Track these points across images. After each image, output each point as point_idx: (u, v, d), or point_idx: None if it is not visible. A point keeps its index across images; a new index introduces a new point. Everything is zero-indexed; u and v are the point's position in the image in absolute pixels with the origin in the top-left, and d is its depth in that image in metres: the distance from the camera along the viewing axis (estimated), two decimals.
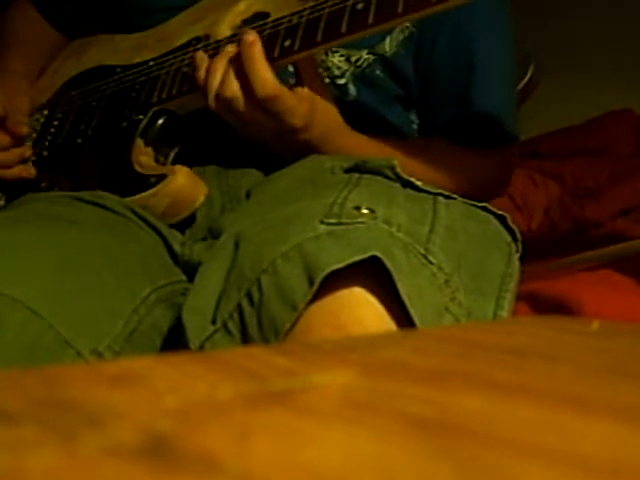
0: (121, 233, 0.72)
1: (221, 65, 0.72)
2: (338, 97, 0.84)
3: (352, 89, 0.86)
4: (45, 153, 0.90)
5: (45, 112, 0.94)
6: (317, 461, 0.16)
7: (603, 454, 0.17)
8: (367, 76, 0.85)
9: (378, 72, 0.86)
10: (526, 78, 1.85)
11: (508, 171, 0.96)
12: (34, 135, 0.92)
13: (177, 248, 0.74)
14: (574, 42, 2.37)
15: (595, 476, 0.16)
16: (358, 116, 0.83)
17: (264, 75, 0.70)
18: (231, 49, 0.73)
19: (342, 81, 0.85)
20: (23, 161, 0.89)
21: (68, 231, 0.68)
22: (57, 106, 0.94)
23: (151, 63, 0.86)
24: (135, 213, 0.76)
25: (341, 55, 0.84)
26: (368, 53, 0.85)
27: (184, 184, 0.76)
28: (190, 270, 0.72)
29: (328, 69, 0.84)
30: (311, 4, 0.74)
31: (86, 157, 0.87)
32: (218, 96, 0.72)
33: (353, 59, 0.85)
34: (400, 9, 0.66)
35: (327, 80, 0.84)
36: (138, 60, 0.88)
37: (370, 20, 0.68)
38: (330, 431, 0.18)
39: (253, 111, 0.72)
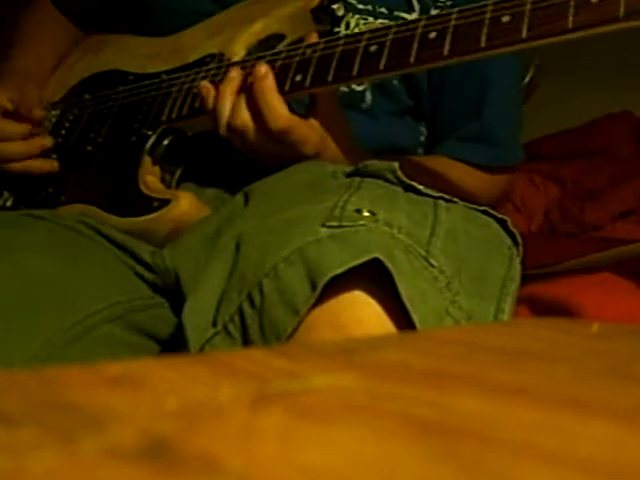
0: (65, 256, 0.72)
1: (230, 93, 0.73)
2: (353, 104, 0.84)
3: (368, 97, 0.86)
4: (54, 156, 0.90)
5: (57, 112, 0.94)
6: (318, 463, 0.16)
7: (603, 456, 0.17)
8: (385, 85, 0.86)
9: (395, 82, 0.86)
10: (526, 80, 1.85)
11: (505, 190, 0.98)
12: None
13: (147, 258, 0.74)
14: (574, 43, 2.37)
15: (595, 477, 0.16)
16: (369, 125, 0.83)
17: (276, 108, 0.70)
18: (236, 74, 0.73)
19: (360, 88, 0.85)
20: (45, 154, 0.88)
21: None
22: (69, 107, 0.93)
23: (164, 76, 0.85)
24: (97, 231, 0.76)
25: None
26: None
27: (187, 210, 0.76)
28: (164, 279, 0.72)
29: None
30: (325, 39, 0.74)
31: (94, 167, 0.86)
32: (229, 125, 0.72)
33: None
34: (412, 59, 0.66)
35: (346, 88, 0.84)
36: (151, 70, 0.87)
37: (381, 66, 0.68)
38: (331, 433, 0.18)
39: (264, 141, 0.72)
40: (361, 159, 0.75)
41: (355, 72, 0.69)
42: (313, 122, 0.73)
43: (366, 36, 0.70)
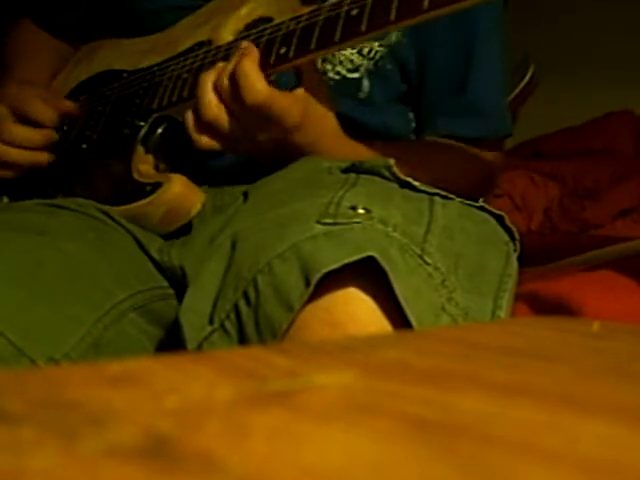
0: (93, 241, 0.72)
1: (212, 78, 0.72)
2: (350, 93, 0.83)
3: (366, 84, 0.85)
4: (53, 157, 0.90)
5: None
6: (317, 461, 0.16)
7: (603, 455, 0.17)
8: (380, 70, 0.85)
9: (389, 66, 0.86)
10: (526, 79, 1.85)
11: (499, 167, 0.97)
12: None
13: (155, 255, 0.74)
14: (574, 43, 2.37)
15: (595, 477, 0.16)
16: (365, 113, 0.83)
17: (254, 84, 0.69)
18: (222, 64, 0.73)
19: (356, 75, 0.84)
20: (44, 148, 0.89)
21: (29, 242, 0.68)
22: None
23: (155, 68, 0.86)
24: (113, 220, 0.77)
25: (353, 48, 0.84)
26: (380, 45, 0.84)
27: (180, 192, 0.76)
28: (172, 276, 0.72)
29: (341, 63, 0.84)
30: (310, 9, 0.74)
31: (90, 163, 0.87)
32: (210, 103, 0.71)
33: (365, 51, 0.84)
34: (392, 16, 0.66)
35: (337, 77, 0.84)
36: (144, 64, 0.88)
37: (363, 27, 0.68)
38: (330, 431, 0.18)
39: (245, 118, 0.71)
40: (346, 145, 0.75)
41: (337, 37, 0.69)
42: (296, 94, 0.72)
43: (347, 1, 0.70)
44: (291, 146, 0.74)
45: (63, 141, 0.91)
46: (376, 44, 0.84)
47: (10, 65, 1.00)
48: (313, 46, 0.70)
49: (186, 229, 0.78)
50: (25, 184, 0.89)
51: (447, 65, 0.88)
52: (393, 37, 0.85)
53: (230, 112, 0.71)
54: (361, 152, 0.79)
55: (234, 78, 0.70)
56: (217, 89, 0.72)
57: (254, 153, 0.76)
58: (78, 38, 1.02)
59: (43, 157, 0.87)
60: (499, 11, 0.90)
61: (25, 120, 0.87)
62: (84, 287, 0.67)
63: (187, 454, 0.16)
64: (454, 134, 0.88)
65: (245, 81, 0.69)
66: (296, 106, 0.71)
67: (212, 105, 0.71)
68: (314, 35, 0.71)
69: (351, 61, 0.84)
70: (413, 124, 0.92)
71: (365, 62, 0.85)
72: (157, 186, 0.76)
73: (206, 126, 0.72)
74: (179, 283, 0.71)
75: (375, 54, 0.85)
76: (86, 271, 0.68)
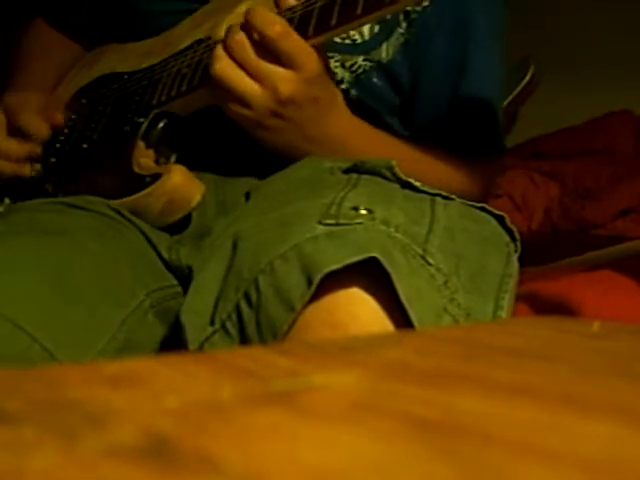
0: (110, 239, 0.72)
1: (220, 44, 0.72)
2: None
3: (353, 93, 0.85)
4: (53, 160, 0.91)
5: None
6: (318, 462, 0.16)
7: (604, 455, 0.17)
8: (363, 83, 0.84)
9: (375, 80, 0.85)
10: (526, 79, 1.85)
11: (493, 181, 0.96)
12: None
13: (164, 253, 0.74)
14: (574, 43, 2.37)
15: (595, 477, 0.16)
16: (363, 115, 0.82)
17: (268, 18, 0.69)
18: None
19: (343, 86, 0.84)
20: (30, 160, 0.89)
21: (53, 242, 0.68)
22: (67, 114, 0.94)
23: (155, 67, 0.86)
24: (123, 217, 0.77)
25: (336, 60, 0.83)
26: (364, 60, 0.84)
27: (180, 183, 0.76)
28: (180, 274, 0.72)
29: None
30: None
31: (90, 161, 0.87)
32: (224, 55, 0.70)
33: (348, 64, 0.83)
34: None
35: None
36: (144, 65, 0.88)
37: (359, 11, 0.67)
38: (331, 432, 0.18)
39: (263, 57, 0.70)
40: (358, 123, 0.76)
41: (334, 22, 0.69)
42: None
43: None
44: (308, 102, 0.72)
45: (64, 143, 0.91)
46: (360, 58, 0.83)
47: (22, 65, 1.00)
48: (310, 33, 0.70)
49: (186, 222, 0.78)
50: (26, 184, 0.90)
51: (440, 79, 0.87)
52: (383, 54, 0.84)
53: (247, 69, 0.70)
54: (368, 135, 0.79)
55: (246, 26, 0.70)
56: (228, 49, 0.71)
57: (268, 122, 0.73)
58: (88, 40, 1.02)
59: (25, 170, 0.89)
60: (499, 20, 0.89)
61: (17, 132, 0.88)
62: (110, 286, 0.67)
63: (187, 454, 0.16)
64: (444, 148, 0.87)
65: (260, 18, 0.69)
66: (312, 51, 0.70)
67: (229, 66, 0.70)
68: (311, 22, 0.71)
69: (335, 73, 0.84)
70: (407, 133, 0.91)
71: (346, 75, 0.84)
72: (157, 177, 0.76)
73: (228, 58, 0.71)
74: (188, 281, 0.71)
75: (357, 68, 0.84)
76: (110, 270, 0.68)
